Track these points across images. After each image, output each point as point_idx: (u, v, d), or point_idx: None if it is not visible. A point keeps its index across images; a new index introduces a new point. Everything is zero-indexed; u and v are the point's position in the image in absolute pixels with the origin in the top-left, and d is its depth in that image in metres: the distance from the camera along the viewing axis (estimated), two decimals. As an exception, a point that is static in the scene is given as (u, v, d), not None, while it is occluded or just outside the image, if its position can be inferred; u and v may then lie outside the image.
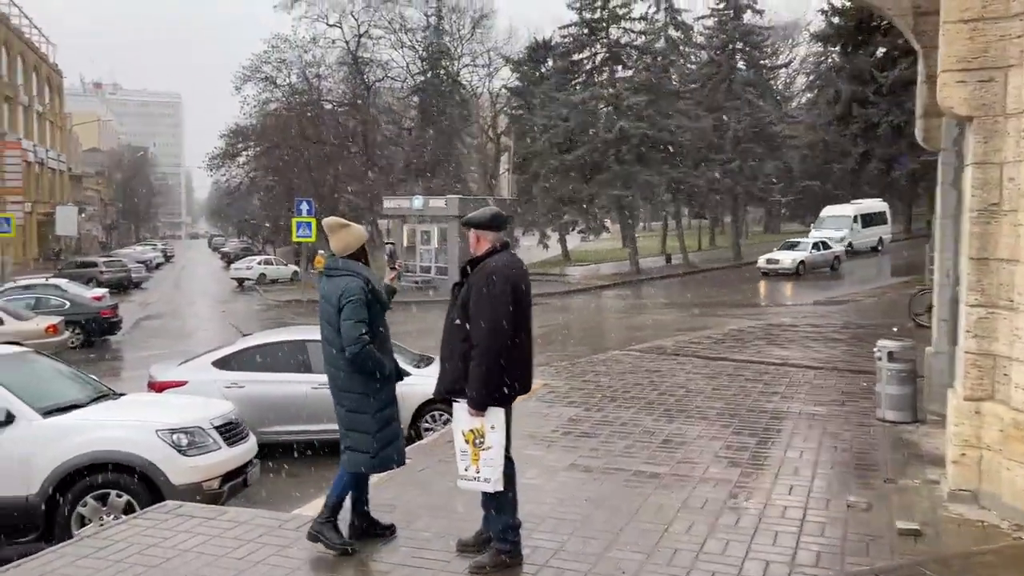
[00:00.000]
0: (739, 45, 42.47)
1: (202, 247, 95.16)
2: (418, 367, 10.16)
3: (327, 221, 5.21)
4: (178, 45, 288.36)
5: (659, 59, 38.96)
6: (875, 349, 7.73)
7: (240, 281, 41.20)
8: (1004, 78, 5.11)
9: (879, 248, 40.27)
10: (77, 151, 79.68)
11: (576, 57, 40.54)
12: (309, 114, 50.09)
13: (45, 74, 62.86)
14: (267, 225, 56.67)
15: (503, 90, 52.08)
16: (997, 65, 5.13)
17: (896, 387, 7.47)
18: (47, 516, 6.36)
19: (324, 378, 9.31)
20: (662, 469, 6.52)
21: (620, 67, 38.78)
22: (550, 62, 44.29)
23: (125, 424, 6.79)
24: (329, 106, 52.47)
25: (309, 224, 31.15)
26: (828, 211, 40.48)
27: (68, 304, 20.18)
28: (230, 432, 7.23)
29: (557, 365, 11.61)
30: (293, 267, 42.81)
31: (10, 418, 6.40)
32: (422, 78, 50.94)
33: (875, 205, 41.94)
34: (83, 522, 6.40)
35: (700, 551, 4.85)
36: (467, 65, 52.81)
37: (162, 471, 6.53)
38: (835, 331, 14.45)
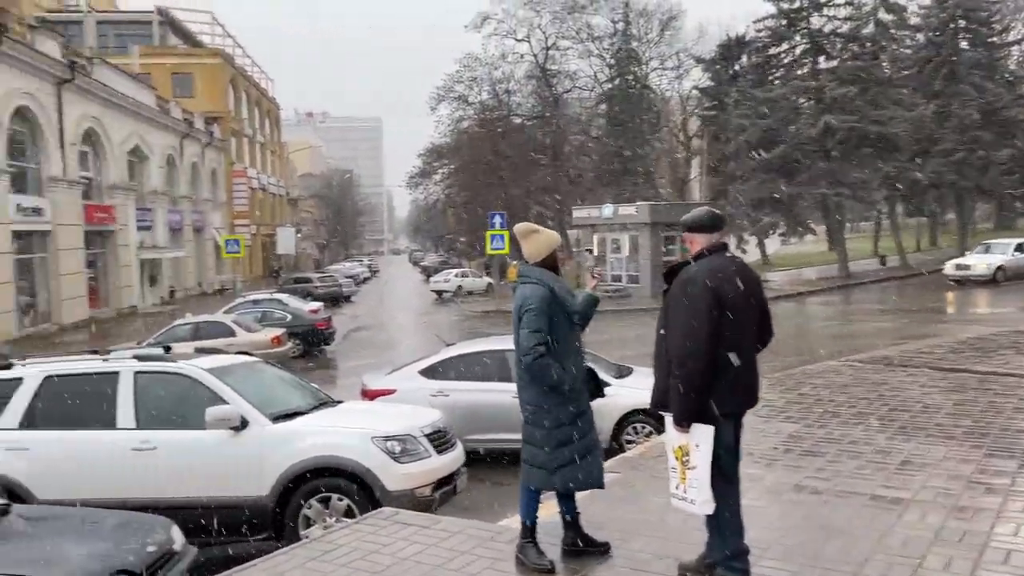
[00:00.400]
0: (961, 23, 38.84)
1: (403, 262, 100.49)
2: (618, 377, 9.94)
3: (518, 227, 5.08)
4: (378, 72, 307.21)
5: (868, 45, 36.24)
6: None
7: (439, 293, 42.89)
8: None
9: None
10: (293, 176, 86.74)
11: (773, 51, 38.68)
12: (500, 129, 51.49)
13: (266, 108, 68.99)
14: (462, 239, 58.73)
15: (694, 91, 50.84)
16: None
17: None
18: (276, 516, 6.70)
19: None
20: (904, 494, 5.83)
21: (823, 58, 36.58)
22: (744, 59, 42.72)
23: (344, 431, 7.01)
24: (519, 120, 53.63)
25: (502, 236, 31.91)
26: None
27: (289, 317, 21.76)
28: (439, 440, 7.30)
29: (769, 376, 10.87)
30: (487, 279, 43.93)
31: (244, 423, 6.79)
32: (610, 85, 50.81)
33: None
34: (308, 523, 6.67)
35: (965, 590, 4.22)
36: (655, 69, 52.20)
37: (378, 477, 6.67)
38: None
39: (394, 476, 6.73)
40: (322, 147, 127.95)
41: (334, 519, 6.60)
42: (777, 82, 37.83)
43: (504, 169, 49.06)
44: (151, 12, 54.54)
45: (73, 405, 7.21)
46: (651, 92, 50.44)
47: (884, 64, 37.91)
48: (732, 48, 43.70)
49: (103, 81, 33.88)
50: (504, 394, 9.54)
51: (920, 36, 40.60)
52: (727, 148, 39.08)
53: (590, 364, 5.17)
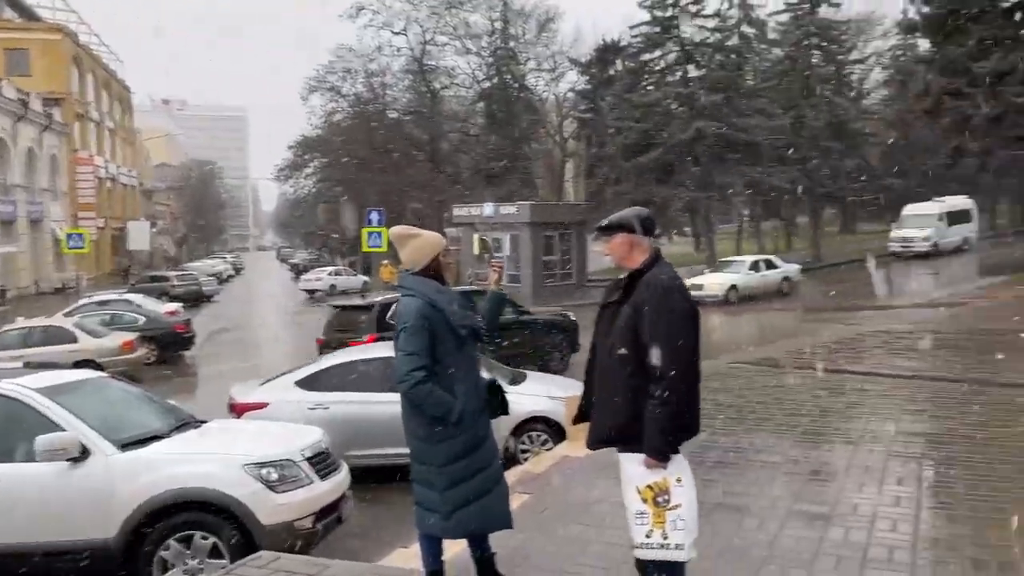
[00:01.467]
0: (815, 40, 40.90)
1: (270, 259, 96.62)
2: (513, 384, 9.41)
3: (394, 231, 4.36)
4: (243, 60, 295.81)
5: (733, 56, 37.60)
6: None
7: (311, 292, 41.14)
8: None
9: (965, 247, 38.28)
10: (147, 167, 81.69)
11: (647, 57, 39.39)
12: (375, 123, 50.14)
13: (115, 92, 64.43)
14: (335, 236, 56.99)
15: (570, 94, 51.22)
16: None
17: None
18: (126, 562, 5.70)
19: None
20: (824, 509, 5.51)
21: (693, 66, 37.54)
22: (619, 64, 43.31)
23: (210, 458, 6.08)
24: (395, 114, 52.46)
25: (379, 234, 30.71)
26: (910, 209, 38.62)
27: (143, 319, 20.00)
28: (322, 463, 6.48)
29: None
30: (363, 277, 42.59)
31: (85, 453, 5.74)
32: (488, 84, 50.40)
33: (960, 203, 39.86)
34: (165, 567, 5.72)
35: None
36: (533, 69, 52.12)
37: (251, 510, 5.81)
38: (960, 337, 13.08)
39: (270, 508, 5.88)
40: (180, 135, 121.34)
41: (197, 561, 5.69)
42: (651, 87, 38.54)
43: (380, 164, 47.83)
44: (-18, -19, 49.88)
45: None
46: (529, 92, 50.40)
47: (748, 75, 39.43)
48: (608, 52, 44.25)
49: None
50: (392, 405, 8.64)
51: (779, 50, 42.54)
52: (603, 151, 39.48)
53: (490, 375, 4.58)
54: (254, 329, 28.38)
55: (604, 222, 3.84)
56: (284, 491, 5.98)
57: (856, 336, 13.93)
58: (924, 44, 34.31)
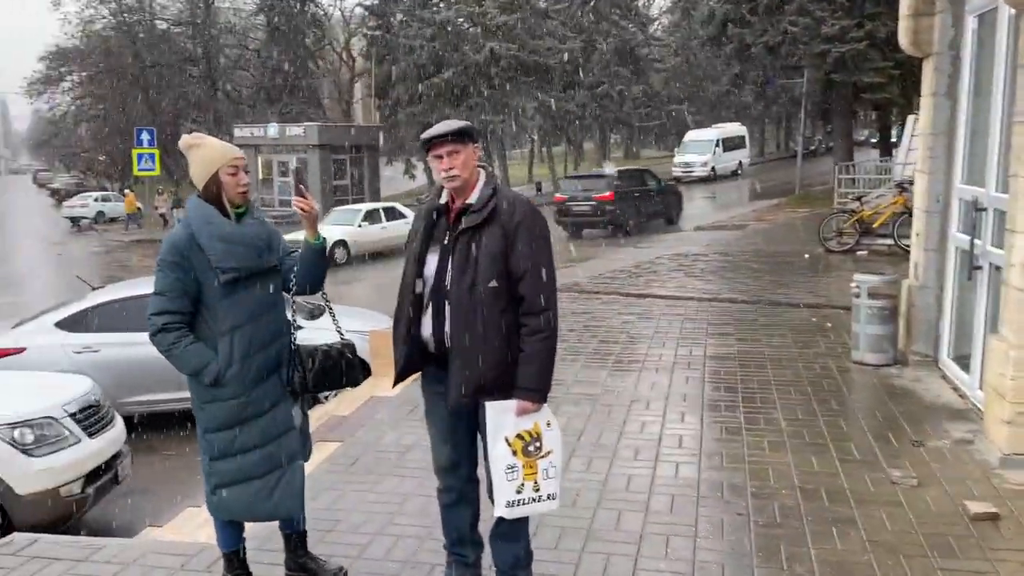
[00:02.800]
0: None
1: (25, 183, 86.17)
2: (312, 319, 8.74)
3: (181, 141, 3.49)
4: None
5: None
6: (852, 284, 6.94)
7: (75, 220, 37.03)
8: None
9: (739, 172, 41.16)
10: None
11: (439, -27, 38.18)
12: (141, 35, 45.40)
13: None
14: (101, 158, 51.67)
15: (358, 8, 48.88)
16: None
17: (877, 326, 6.73)
18: None
19: None
20: (648, 441, 5.47)
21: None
22: (410, -21, 41.58)
23: (-56, 422, 5.06)
24: (164, 25, 47.75)
25: (152, 156, 28.20)
26: (692, 135, 40.90)
27: None
28: (91, 417, 5.63)
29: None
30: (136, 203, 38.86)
31: None
32: (269, -7, 46.88)
33: (735, 129, 42.75)
34: None
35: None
36: (317, -20, 49.04)
37: (2, 480, 4.92)
38: (749, 259, 13.84)
39: (27, 475, 5.03)
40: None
41: (-67, 546, 4.74)
42: (442, 5, 37.48)
43: (149, 80, 43.47)
44: None
45: None
46: (314, 4, 47.46)
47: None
48: (398, -35, 42.31)
49: None
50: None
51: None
52: (395, 70, 38.13)
53: (344, 337, 3.70)
54: (7, 262, 25.07)
55: (451, 127, 3.14)
56: (44, 454, 5.13)
57: (655, 260, 14.39)
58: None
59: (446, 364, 3.18)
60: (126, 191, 37.14)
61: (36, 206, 53.22)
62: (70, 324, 8.04)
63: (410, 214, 21.66)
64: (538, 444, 3.17)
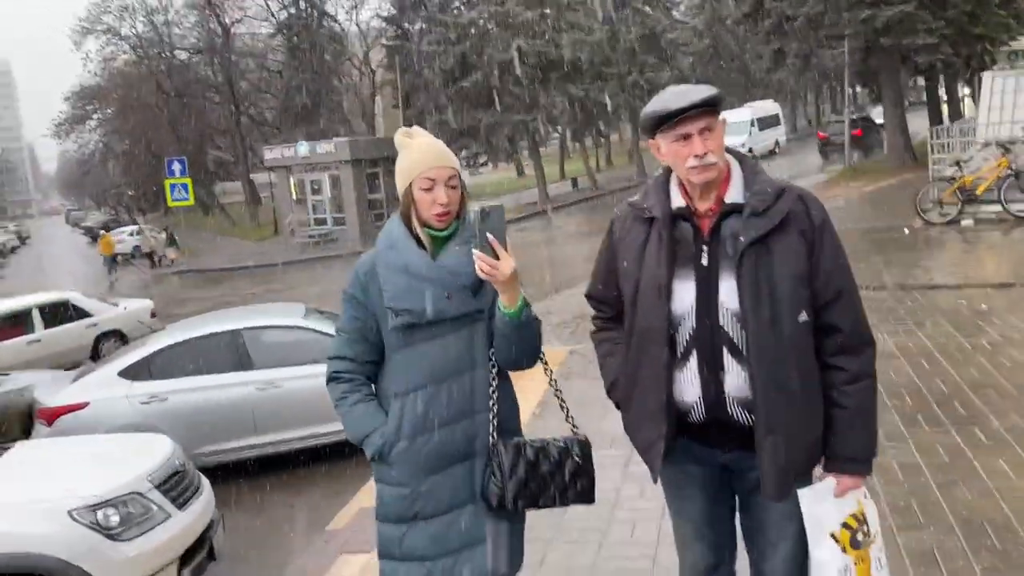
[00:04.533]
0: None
1: (59, 224, 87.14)
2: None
3: (397, 134, 2.66)
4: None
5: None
6: None
7: (112, 258, 36.73)
8: None
9: (776, 150, 39.94)
10: None
11: (455, -25, 37.52)
12: (163, 67, 45.38)
13: None
14: (130, 193, 51.92)
15: (376, 18, 48.42)
16: None
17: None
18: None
19: (271, 375, 7.27)
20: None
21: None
22: (426, -16, 40.96)
23: (20, 506, 4.35)
24: (184, 55, 47.71)
25: (184, 186, 27.80)
26: (725, 116, 39.67)
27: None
28: (179, 485, 4.92)
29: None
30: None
31: None
32: (285, 14, 46.60)
33: (769, 107, 41.53)
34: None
35: None
36: (331, -3, 48.77)
37: (87, 573, 4.21)
38: (843, 240, 12.81)
39: (116, 565, 4.31)
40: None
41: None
42: (463, 7, 36.78)
43: (172, 110, 43.38)
44: None
45: None
46: (332, 20, 47.07)
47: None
48: (412, -28, 41.69)
49: None
50: (245, 387, 7.27)
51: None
52: (418, 79, 37.52)
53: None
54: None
55: (701, 95, 2.26)
56: (133, 537, 4.40)
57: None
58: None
59: (708, 435, 2.34)
60: (103, 232, 35.38)
61: (72, 246, 53.42)
62: (134, 372, 7.40)
63: (102, 308, 13.66)
64: (865, 528, 2.32)
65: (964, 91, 34.61)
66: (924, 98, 35.12)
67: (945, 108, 31.76)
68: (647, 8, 40.09)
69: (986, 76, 15.65)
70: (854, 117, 31.83)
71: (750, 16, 26.90)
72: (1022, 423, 4.94)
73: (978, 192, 12.99)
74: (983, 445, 4.70)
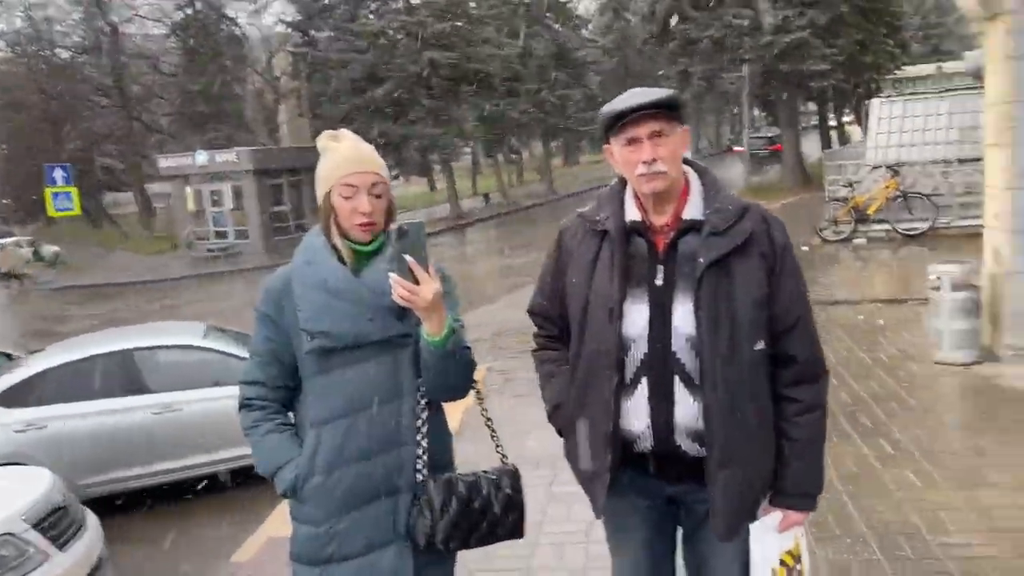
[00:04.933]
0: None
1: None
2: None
3: (319, 138, 2.43)
4: None
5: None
6: (931, 276, 6.20)
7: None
8: None
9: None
10: None
11: (363, -17, 36.99)
12: (43, 65, 42.99)
13: None
14: (4, 201, 48.96)
15: (279, 24, 47.25)
16: None
17: (962, 321, 6.00)
18: None
19: (166, 398, 6.75)
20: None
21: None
22: (331, -9, 40.24)
23: None
24: (67, 54, 45.34)
25: (68, 194, 26.18)
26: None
27: None
28: (59, 523, 4.44)
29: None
30: (53, 248, 36.21)
31: None
32: (182, 15, 44.91)
33: None
34: None
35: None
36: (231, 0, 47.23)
37: (-48, 628, 3.73)
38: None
39: (-15, 618, 3.83)
40: None
41: None
42: (371, 16, 36.29)
43: (56, 114, 41.14)
44: None
45: None
46: (232, 23, 45.63)
47: (472, 2, 38.54)
48: (317, -21, 40.92)
49: None
50: (137, 412, 6.74)
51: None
52: (326, 87, 36.74)
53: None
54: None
55: (656, 96, 2.06)
56: (5, 586, 3.93)
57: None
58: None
59: (655, 466, 2.17)
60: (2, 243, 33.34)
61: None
62: (8, 398, 6.75)
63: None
64: (799, 567, 2.19)
65: (849, 117, 36.60)
66: (814, 123, 36.91)
67: (834, 133, 33.43)
68: (557, 26, 40.63)
69: (875, 102, 16.44)
70: (769, 136, 35.19)
71: (657, 37, 27.55)
72: (923, 435, 5.08)
73: (869, 212, 13.65)
74: (889, 456, 4.80)
